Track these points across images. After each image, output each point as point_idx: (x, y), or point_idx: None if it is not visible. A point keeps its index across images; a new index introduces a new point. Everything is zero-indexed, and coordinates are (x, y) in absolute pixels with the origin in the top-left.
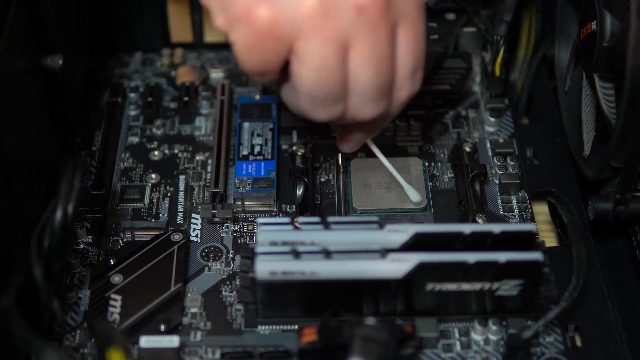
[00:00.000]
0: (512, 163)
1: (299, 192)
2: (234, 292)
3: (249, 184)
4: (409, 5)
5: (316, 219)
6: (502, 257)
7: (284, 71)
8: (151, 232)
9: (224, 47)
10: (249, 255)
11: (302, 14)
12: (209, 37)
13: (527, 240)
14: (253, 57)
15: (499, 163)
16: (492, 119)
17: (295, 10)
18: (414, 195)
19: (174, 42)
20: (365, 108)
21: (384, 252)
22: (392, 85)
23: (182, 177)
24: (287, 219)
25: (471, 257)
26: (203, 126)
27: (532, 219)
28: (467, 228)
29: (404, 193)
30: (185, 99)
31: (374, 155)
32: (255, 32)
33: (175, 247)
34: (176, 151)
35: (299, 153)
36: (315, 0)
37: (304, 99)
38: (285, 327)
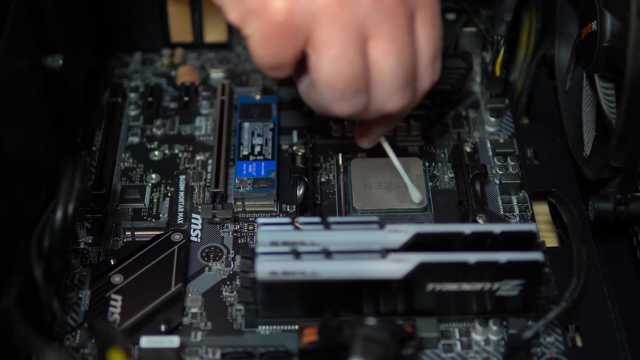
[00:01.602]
0: (513, 163)
1: (299, 192)
2: (235, 292)
3: (249, 184)
4: None
5: (316, 219)
6: (502, 257)
7: (302, 67)
8: (151, 232)
9: (224, 47)
10: (250, 255)
11: (318, 3)
12: (209, 37)
13: (528, 241)
14: (269, 49)
15: (499, 163)
16: (493, 119)
17: (311, 0)
18: (416, 195)
19: (174, 42)
20: (391, 99)
21: (385, 252)
22: (415, 73)
23: (182, 177)
24: (287, 219)
25: (472, 257)
26: (203, 126)
27: (533, 219)
28: (467, 228)
29: (405, 193)
30: (185, 99)
31: (374, 155)
32: (271, 23)
33: (176, 247)
34: (176, 151)
35: (299, 153)
36: None
37: (323, 92)
38: (285, 327)
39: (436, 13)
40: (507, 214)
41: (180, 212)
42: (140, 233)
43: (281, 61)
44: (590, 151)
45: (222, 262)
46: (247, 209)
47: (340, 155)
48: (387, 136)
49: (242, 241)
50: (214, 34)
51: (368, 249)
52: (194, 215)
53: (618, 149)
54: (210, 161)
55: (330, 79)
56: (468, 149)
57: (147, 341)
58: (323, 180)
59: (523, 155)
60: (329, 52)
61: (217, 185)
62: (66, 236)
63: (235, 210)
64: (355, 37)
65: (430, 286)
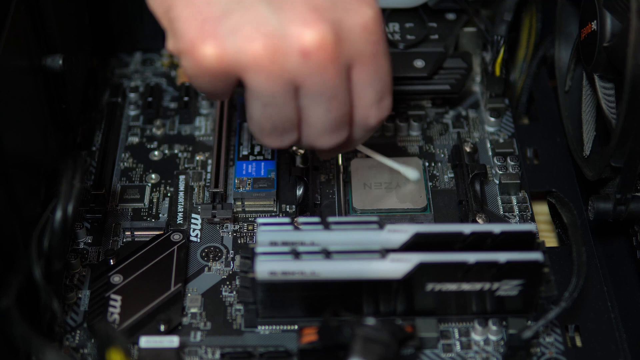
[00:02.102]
0: (512, 163)
1: (299, 192)
2: (234, 292)
3: (249, 184)
4: (362, 46)
5: (316, 219)
6: (502, 257)
7: None
8: (151, 232)
9: None
10: (249, 255)
11: (248, 55)
12: None
13: (527, 241)
14: (201, 85)
15: (499, 163)
16: (492, 119)
17: (241, 52)
18: (412, 174)
19: None
20: (320, 139)
21: (384, 252)
22: (354, 115)
23: (182, 177)
24: (287, 219)
25: (471, 257)
26: (203, 126)
27: (532, 219)
28: (467, 228)
29: (404, 193)
30: (185, 99)
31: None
32: (200, 66)
33: (175, 247)
34: (176, 151)
35: (299, 153)
36: (260, 45)
37: (253, 128)
38: (285, 327)
39: (378, 62)
40: (506, 214)
41: (179, 212)
42: (140, 233)
43: (214, 92)
44: (590, 151)
45: (222, 262)
46: (246, 209)
47: (340, 155)
48: (387, 136)
49: (242, 241)
50: None
51: (368, 249)
52: (193, 215)
53: (618, 149)
54: (210, 161)
55: (259, 121)
56: (468, 149)
57: (146, 341)
58: (323, 180)
59: (523, 155)
60: (260, 99)
61: (217, 185)
62: (66, 236)
63: (234, 210)
64: (285, 86)
65: (429, 286)
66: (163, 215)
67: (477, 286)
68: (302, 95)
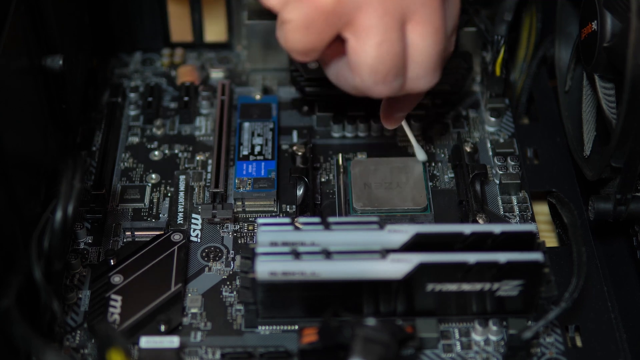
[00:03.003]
0: (513, 163)
1: (299, 192)
2: (234, 293)
3: (249, 184)
4: None
5: (316, 219)
6: (502, 257)
7: (333, 51)
8: (151, 233)
9: (224, 47)
10: (249, 255)
11: None
12: (209, 37)
13: (528, 241)
14: (307, 35)
15: (499, 163)
16: (493, 119)
17: None
18: (421, 155)
19: (174, 42)
20: (424, 78)
21: (385, 252)
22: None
23: (182, 177)
24: (287, 219)
25: (471, 257)
26: (203, 126)
27: (533, 219)
28: (467, 228)
29: (404, 193)
30: (185, 99)
31: (374, 156)
32: (318, 10)
33: (176, 247)
34: (176, 151)
35: (299, 153)
36: None
37: (365, 75)
38: (285, 328)
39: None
40: (507, 214)
41: (180, 212)
42: (140, 233)
43: (315, 46)
44: (590, 151)
45: (222, 262)
46: (247, 209)
47: (340, 155)
48: (387, 136)
49: (242, 241)
50: (214, 34)
51: (368, 249)
52: (193, 216)
53: (618, 149)
54: (210, 161)
55: (373, 64)
56: (468, 149)
57: (146, 341)
58: (323, 180)
59: (523, 155)
60: (373, 38)
61: (217, 185)
62: (66, 236)
63: (235, 210)
64: (396, 22)
65: (430, 286)
66: (163, 215)
67: (478, 286)
68: (410, 29)
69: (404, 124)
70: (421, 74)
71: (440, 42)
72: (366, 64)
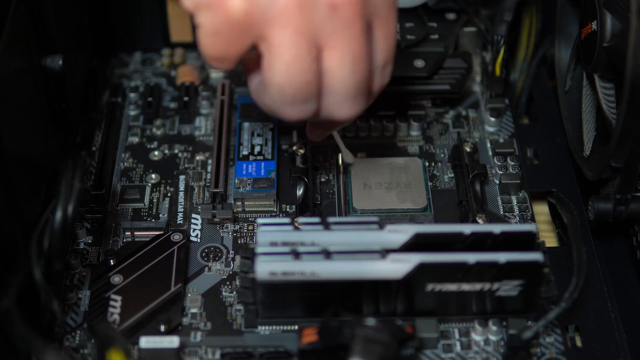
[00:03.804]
0: (513, 163)
1: (299, 192)
2: (234, 293)
3: (249, 184)
4: (382, 2)
5: (316, 219)
6: (502, 257)
7: (253, 64)
8: (151, 233)
9: None
10: (249, 255)
11: (277, 6)
12: None
13: (528, 241)
14: (217, 43)
15: (499, 163)
16: (493, 119)
17: (270, 2)
18: (348, 157)
19: (174, 42)
20: (342, 107)
21: (384, 252)
22: (369, 83)
23: (182, 177)
24: (287, 219)
25: (471, 257)
26: (203, 126)
27: (533, 219)
28: (467, 228)
29: (405, 193)
30: (185, 99)
31: (374, 156)
32: (226, 19)
33: (175, 247)
34: (176, 151)
35: (299, 153)
36: None
37: (273, 94)
38: (285, 328)
39: (392, 24)
40: (507, 214)
41: (180, 212)
42: (140, 233)
43: (226, 55)
44: (590, 151)
45: (222, 262)
46: (247, 209)
47: (340, 155)
48: (387, 136)
49: (242, 241)
50: None
51: (368, 249)
52: (193, 216)
53: (618, 149)
54: (210, 161)
55: (281, 83)
56: (468, 149)
57: (146, 341)
58: (323, 180)
59: (523, 155)
60: (283, 56)
61: (217, 186)
62: (66, 236)
63: (235, 210)
64: (309, 44)
65: (430, 286)
66: (163, 215)
67: (477, 286)
68: (325, 57)
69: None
70: (338, 102)
71: (360, 70)
72: (275, 82)
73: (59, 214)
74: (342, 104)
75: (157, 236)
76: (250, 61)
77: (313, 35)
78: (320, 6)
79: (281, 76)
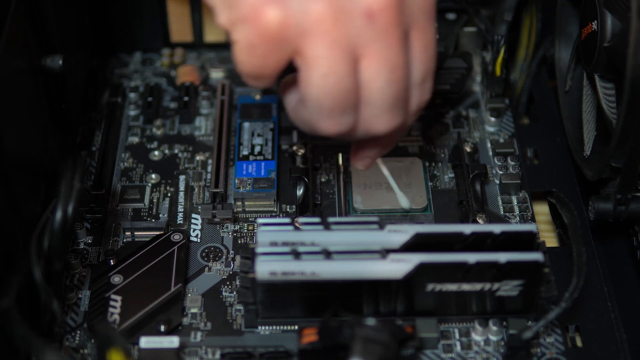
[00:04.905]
0: (513, 163)
1: (299, 192)
2: (234, 293)
3: (249, 184)
4: (419, 10)
5: (316, 219)
6: (502, 257)
7: (290, 83)
8: (151, 233)
9: (224, 47)
10: (249, 255)
11: (312, 17)
12: (209, 37)
13: (528, 241)
14: (254, 58)
15: (499, 163)
16: (493, 119)
17: (305, 13)
18: (404, 201)
19: (174, 42)
20: (380, 120)
21: (385, 252)
22: (407, 95)
23: (182, 177)
24: (287, 219)
25: (471, 257)
26: (203, 126)
27: (533, 219)
28: (467, 228)
29: (405, 193)
30: (185, 99)
31: None
32: (261, 33)
33: (176, 247)
34: (176, 151)
35: (299, 153)
36: (326, 4)
37: (311, 108)
38: (285, 328)
39: (430, 32)
40: (507, 214)
41: (180, 212)
42: (140, 233)
43: (263, 70)
44: (590, 151)
45: (222, 262)
46: (247, 209)
47: (340, 155)
48: None
49: (242, 241)
50: (214, 34)
51: (368, 249)
52: (193, 216)
53: (618, 149)
54: (210, 161)
55: (318, 95)
56: (468, 149)
57: (146, 341)
58: (323, 180)
59: (523, 155)
60: (320, 68)
61: (217, 186)
62: (66, 236)
63: (235, 211)
64: (346, 55)
65: (430, 286)
66: (163, 215)
67: (478, 286)
68: (363, 68)
69: (382, 167)
70: (376, 114)
71: (397, 80)
72: (311, 94)
73: (59, 214)
74: (379, 115)
75: (157, 236)
76: (286, 83)
77: (349, 45)
78: (355, 15)
79: (318, 88)
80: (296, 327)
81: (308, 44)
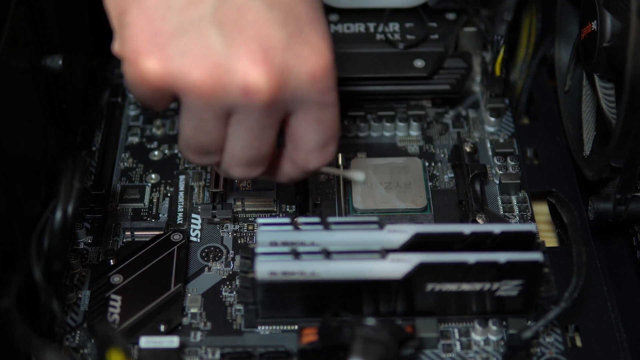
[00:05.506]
0: (512, 163)
1: (299, 192)
2: (234, 293)
3: (249, 184)
4: (307, 94)
5: (316, 219)
6: (502, 257)
7: None
8: (151, 232)
9: None
10: (249, 255)
11: (189, 81)
12: None
13: (527, 241)
14: (136, 93)
15: (499, 163)
16: (492, 119)
17: (183, 75)
18: (358, 175)
19: None
20: (234, 169)
21: (384, 252)
22: (295, 157)
23: (182, 177)
24: (287, 219)
25: (471, 257)
26: None
27: (532, 219)
28: (467, 228)
29: (405, 193)
30: None
31: (374, 155)
32: (139, 77)
33: (175, 247)
34: (176, 151)
35: None
36: (204, 74)
37: (180, 142)
38: (285, 328)
39: (322, 109)
40: (507, 214)
41: (179, 212)
42: (140, 233)
43: (149, 105)
44: (590, 151)
45: (222, 262)
46: (246, 209)
47: (340, 155)
48: (387, 136)
49: (242, 241)
50: None
51: (368, 249)
52: (193, 215)
53: (618, 149)
54: None
55: (187, 138)
56: (468, 149)
57: (146, 341)
58: (323, 180)
59: (523, 155)
60: (191, 121)
61: (217, 186)
62: (66, 236)
63: (234, 210)
64: (218, 115)
65: (429, 286)
66: (163, 215)
67: (477, 286)
68: (231, 123)
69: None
70: (230, 164)
71: (256, 148)
72: (182, 135)
73: (58, 214)
74: (235, 166)
75: (157, 236)
76: None
77: (222, 109)
78: (232, 87)
79: (188, 133)
80: (296, 327)
81: (185, 99)
